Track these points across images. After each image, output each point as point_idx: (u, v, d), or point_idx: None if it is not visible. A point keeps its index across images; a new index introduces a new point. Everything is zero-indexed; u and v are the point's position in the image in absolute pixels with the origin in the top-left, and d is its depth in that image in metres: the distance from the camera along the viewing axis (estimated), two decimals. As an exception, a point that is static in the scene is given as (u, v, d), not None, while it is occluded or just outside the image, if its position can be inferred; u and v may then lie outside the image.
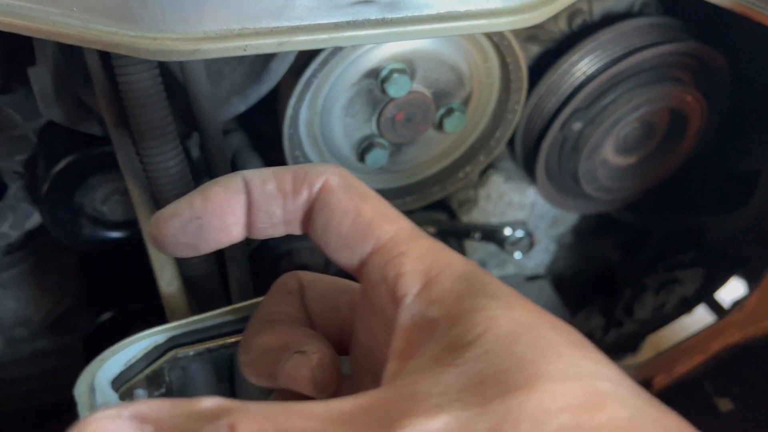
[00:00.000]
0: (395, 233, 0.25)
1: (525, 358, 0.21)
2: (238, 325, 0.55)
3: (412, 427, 0.19)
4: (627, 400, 0.21)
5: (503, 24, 0.48)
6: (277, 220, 0.27)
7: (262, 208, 0.27)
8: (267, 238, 0.28)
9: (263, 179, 0.27)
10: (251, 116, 0.70)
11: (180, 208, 0.27)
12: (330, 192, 0.26)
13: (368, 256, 0.25)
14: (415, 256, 0.25)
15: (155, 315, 0.60)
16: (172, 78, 0.56)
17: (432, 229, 0.79)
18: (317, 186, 0.27)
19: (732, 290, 0.88)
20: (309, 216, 0.27)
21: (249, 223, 0.27)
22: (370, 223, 0.25)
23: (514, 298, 0.23)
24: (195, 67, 0.52)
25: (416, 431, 0.19)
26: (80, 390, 0.52)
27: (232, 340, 0.55)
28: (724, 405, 0.83)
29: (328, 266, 0.74)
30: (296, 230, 0.28)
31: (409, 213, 0.77)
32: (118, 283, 0.79)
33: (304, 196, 0.27)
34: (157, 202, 0.53)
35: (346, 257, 0.26)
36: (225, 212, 0.27)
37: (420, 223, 0.78)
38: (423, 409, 0.20)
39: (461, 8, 0.47)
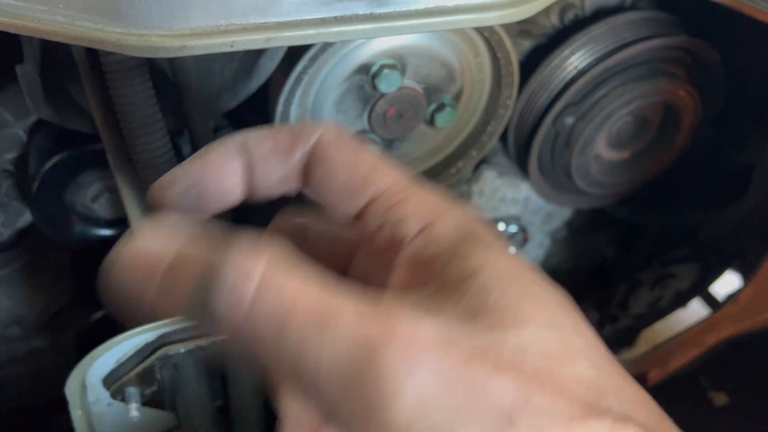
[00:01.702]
0: (394, 181, 0.26)
1: (516, 301, 0.22)
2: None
3: (407, 323, 0.20)
4: (596, 361, 0.23)
5: (492, 18, 0.48)
6: (276, 179, 0.28)
7: (260, 167, 0.27)
8: (265, 200, 0.28)
9: (260, 139, 0.27)
10: (243, 113, 0.70)
11: (178, 175, 0.27)
12: (326, 146, 0.27)
13: (367, 205, 0.26)
14: (415, 203, 0.25)
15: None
16: (163, 75, 0.56)
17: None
18: (312, 141, 0.27)
19: (727, 284, 0.88)
20: (306, 172, 0.27)
21: (248, 184, 0.28)
22: (368, 172, 0.26)
23: (507, 250, 0.25)
24: (184, 64, 0.52)
25: (410, 327, 0.20)
26: (71, 388, 0.52)
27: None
28: (719, 399, 0.83)
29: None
30: (294, 188, 0.28)
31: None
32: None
33: (300, 152, 0.27)
34: (148, 199, 0.53)
35: (345, 207, 0.27)
36: (224, 175, 0.27)
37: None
38: (418, 316, 0.21)
39: (450, 3, 0.46)
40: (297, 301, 0.20)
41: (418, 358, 0.20)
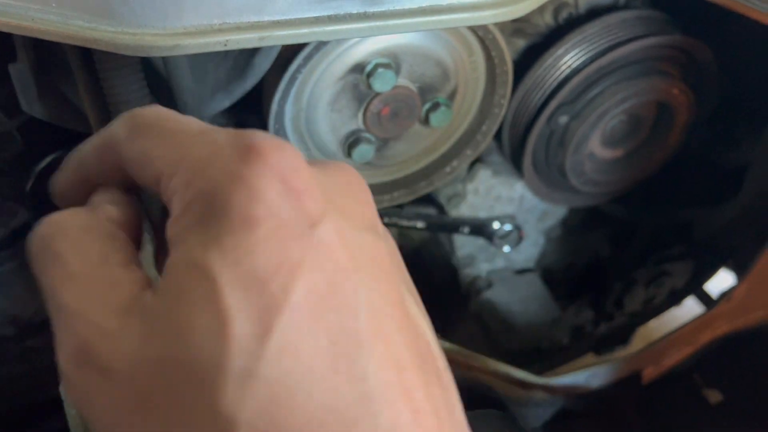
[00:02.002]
0: (165, 158, 0.26)
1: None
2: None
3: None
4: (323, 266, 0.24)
5: (486, 17, 0.48)
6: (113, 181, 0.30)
7: (98, 179, 0.30)
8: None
9: (81, 162, 0.30)
10: (238, 112, 0.70)
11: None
12: (119, 146, 0.28)
13: (157, 188, 0.27)
14: (174, 187, 0.26)
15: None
16: (157, 74, 0.56)
17: (421, 224, 0.79)
18: (111, 147, 0.28)
19: (721, 281, 0.89)
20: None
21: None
22: (148, 157, 0.27)
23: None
24: (178, 63, 0.52)
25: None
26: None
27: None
28: (714, 397, 0.83)
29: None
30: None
31: (397, 207, 0.78)
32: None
33: (111, 161, 0.29)
34: (141, 197, 0.53)
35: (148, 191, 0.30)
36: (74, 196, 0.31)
37: (409, 217, 0.78)
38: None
39: (443, 2, 0.47)
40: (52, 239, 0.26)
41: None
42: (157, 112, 0.28)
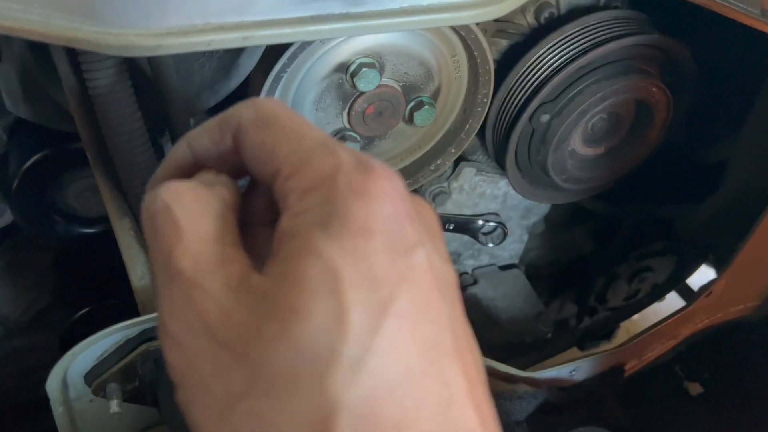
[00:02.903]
0: (287, 157, 0.27)
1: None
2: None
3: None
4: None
5: (466, 17, 0.49)
6: (222, 166, 0.30)
7: (206, 160, 0.30)
8: None
9: (198, 136, 0.30)
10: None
11: (150, 183, 0.31)
12: (243, 130, 0.29)
13: (272, 180, 0.28)
14: (299, 179, 0.27)
15: (133, 310, 0.61)
16: (143, 74, 0.57)
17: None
18: (234, 124, 0.29)
19: (704, 276, 0.90)
20: (238, 154, 0.29)
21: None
22: (273, 146, 0.28)
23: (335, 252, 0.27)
24: (163, 63, 0.52)
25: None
26: (52, 385, 0.53)
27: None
28: (694, 389, 0.85)
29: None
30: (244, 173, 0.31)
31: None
32: (95, 279, 0.79)
33: (228, 141, 0.29)
34: (128, 197, 0.54)
35: (265, 182, 0.29)
36: (180, 178, 0.29)
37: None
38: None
39: (424, 2, 0.47)
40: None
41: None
42: (282, 107, 0.29)
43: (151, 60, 0.52)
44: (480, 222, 0.83)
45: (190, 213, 0.27)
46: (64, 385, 0.53)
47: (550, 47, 0.66)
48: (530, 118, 0.69)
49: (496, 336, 0.88)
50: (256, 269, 0.26)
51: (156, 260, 0.27)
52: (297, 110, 0.62)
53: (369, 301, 0.24)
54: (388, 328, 0.24)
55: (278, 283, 0.25)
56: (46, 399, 0.55)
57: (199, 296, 0.25)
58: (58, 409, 0.53)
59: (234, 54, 0.56)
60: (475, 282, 0.91)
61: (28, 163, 0.58)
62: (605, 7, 0.69)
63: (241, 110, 0.29)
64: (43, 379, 0.55)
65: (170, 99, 0.54)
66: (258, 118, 0.29)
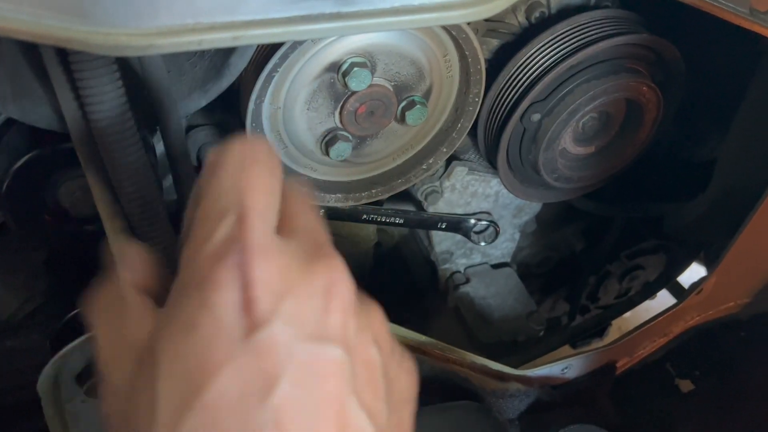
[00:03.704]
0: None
1: None
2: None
3: None
4: None
5: (457, 17, 0.49)
6: None
7: None
8: None
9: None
10: (214, 111, 0.70)
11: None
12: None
13: None
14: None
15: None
16: (134, 74, 0.57)
17: (399, 221, 0.80)
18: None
19: (695, 274, 0.91)
20: None
21: None
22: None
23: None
24: (154, 63, 0.52)
25: None
26: (44, 386, 0.52)
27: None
28: (685, 386, 0.86)
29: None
30: None
31: (376, 204, 0.78)
32: (87, 279, 0.78)
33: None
34: (119, 197, 0.54)
35: None
36: None
37: (387, 214, 0.79)
38: None
39: (415, 1, 0.47)
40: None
41: None
42: (230, 157, 0.32)
43: (141, 60, 0.51)
44: (472, 221, 0.84)
45: (100, 315, 0.34)
46: (56, 386, 0.53)
47: (541, 47, 0.66)
48: (521, 118, 0.69)
49: (489, 334, 0.89)
50: None
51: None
52: (289, 110, 0.62)
53: (175, 394, 0.27)
54: (189, 422, 0.26)
55: (138, 368, 0.30)
56: (38, 400, 0.55)
57: (105, 387, 0.33)
58: (49, 410, 0.53)
59: (225, 54, 0.56)
60: (468, 281, 0.91)
61: (19, 163, 0.58)
62: (596, 7, 0.69)
63: (211, 152, 0.33)
64: (35, 381, 0.54)
65: (161, 98, 0.53)
66: (211, 164, 0.32)
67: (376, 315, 0.32)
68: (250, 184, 0.30)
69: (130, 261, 0.36)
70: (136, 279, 0.35)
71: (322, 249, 0.31)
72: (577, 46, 0.66)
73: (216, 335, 0.27)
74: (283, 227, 0.31)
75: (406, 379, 0.33)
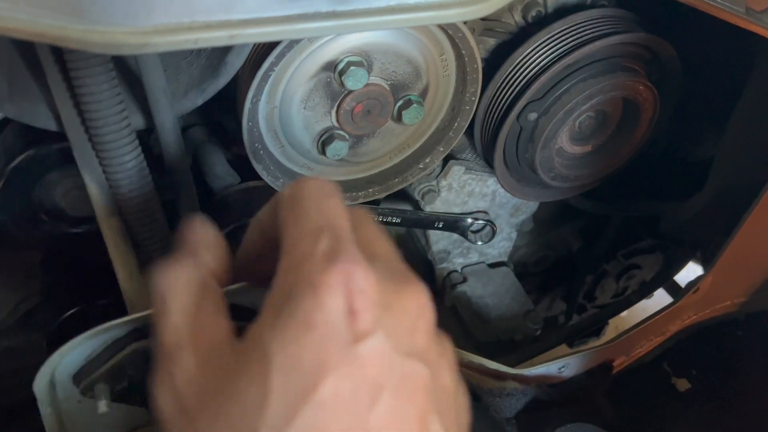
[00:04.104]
0: (286, 238, 0.33)
1: None
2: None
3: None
4: None
5: (453, 16, 0.49)
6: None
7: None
8: None
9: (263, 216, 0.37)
10: (211, 110, 0.70)
11: None
12: (279, 206, 0.35)
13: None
14: None
15: (122, 310, 0.61)
16: (130, 73, 0.57)
17: (396, 220, 0.80)
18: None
19: (692, 273, 0.91)
20: None
21: None
22: (282, 229, 0.34)
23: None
24: (151, 62, 0.52)
25: None
26: (40, 385, 0.52)
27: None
28: (682, 385, 0.86)
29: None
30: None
31: (372, 204, 0.79)
32: (83, 279, 0.78)
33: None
34: (115, 197, 0.54)
35: None
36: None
37: (384, 213, 0.79)
38: None
39: (411, 0, 0.47)
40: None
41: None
42: (315, 188, 0.34)
43: (138, 58, 0.51)
44: (469, 220, 0.84)
45: (171, 288, 0.33)
46: (52, 385, 0.53)
47: (538, 46, 0.66)
48: (518, 117, 0.69)
49: (486, 333, 0.89)
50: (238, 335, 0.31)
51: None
52: (285, 109, 0.62)
53: (290, 390, 0.27)
54: (304, 416, 0.27)
55: (235, 360, 0.30)
56: (34, 400, 0.54)
57: (173, 367, 0.31)
58: (45, 410, 0.53)
59: (222, 52, 0.56)
60: (465, 280, 0.91)
61: (15, 163, 0.58)
62: (592, 6, 0.69)
63: (285, 188, 0.35)
64: (31, 380, 0.54)
65: (157, 97, 0.53)
66: (290, 196, 0.33)
67: (449, 345, 0.35)
68: (336, 211, 0.32)
69: (211, 247, 0.36)
70: (215, 268, 0.35)
71: (405, 274, 0.33)
72: (573, 45, 0.66)
73: (329, 337, 0.28)
74: (364, 253, 0.32)
75: (465, 413, 0.35)
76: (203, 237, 0.36)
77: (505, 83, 0.68)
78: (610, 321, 0.98)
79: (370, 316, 0.29)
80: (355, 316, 0.28)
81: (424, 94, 0.65)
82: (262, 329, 0.29)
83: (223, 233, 0.67)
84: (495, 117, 0.70)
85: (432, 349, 0.32)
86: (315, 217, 0.32)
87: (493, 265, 0.94)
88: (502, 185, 0.78)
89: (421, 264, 0.94)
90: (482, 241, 0.86)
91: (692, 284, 0.82)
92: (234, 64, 0.56)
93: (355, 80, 0.59)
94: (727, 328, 0.85)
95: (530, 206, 0.90)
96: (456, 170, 0.80)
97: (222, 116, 0.73)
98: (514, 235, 0.93)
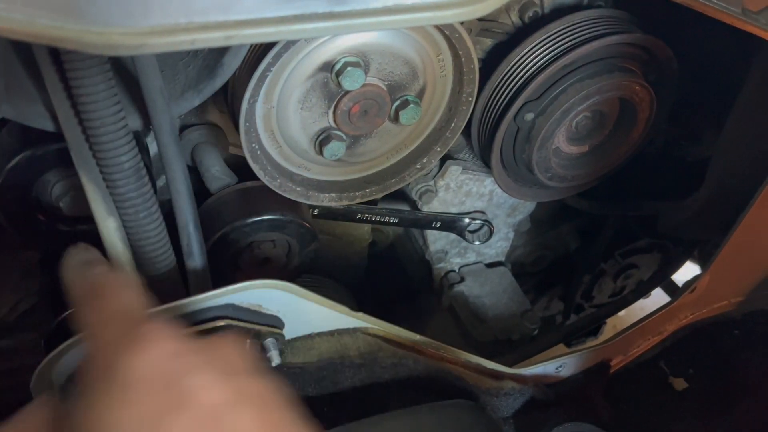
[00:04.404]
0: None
1: None
2: (195, 317, 0.56)
3: None
4: None
5: (450, 16, 0.49)
6: None
7: None
8: None
9: None
10: (207, 111, 0.70)
11: None
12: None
13: None
14: None
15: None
16: (128, 73, 0.57)
17: (394, 220, 0.81)
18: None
19: (690, 272, 0.91)
20: None
21: None
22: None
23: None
24: (148, 62, 0.52)
25: None
26: (37, 386, 0.52)
27: (189, 331, 0.55)
28: (679, 384, 0.86)
29: (290, 259, 0.74)
30: None
31: (370, 204, 0.79)
32: (81, 280, 0.78)
33: None
34: (112, 197, 0.54)
35: None
36: None
37: (382, 213, 0.79)
38: None
39: (408, 1, 0.47)
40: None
41: None
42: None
43: (135, 59, 0.51)
44: (466, 220, 0.84)
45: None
46: (50, 385, 0.53)
47: (534, 46, 0.67)
48: (515, 117, 0.69)
49: (483, 333, 0.89)
50: None
51: None
52: (282, 110, 0.62)
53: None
54: None
55: None
56: (30, 400, 0.54)
57: None
58: (43, 411, 0.53)
59: (218, 53, 0.56)
60: (462, 280, 0.92)
61: (12, 163, 0.58)
62: (589, 6, 0.69)
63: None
64: (29, 380, 0.54)
65: (154, 98, 0.53)
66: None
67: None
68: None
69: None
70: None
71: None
72: (570, 46, 0.66)
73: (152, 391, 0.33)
74: None
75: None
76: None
77: (502, 83, 0.68)
78: (608, 320, 0.99)
79: (186, 361, 0.33)
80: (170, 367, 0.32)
81: (421, 94, 0.65)
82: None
83: (221, 233, 0.68)
84: (492, 117, 0.70)
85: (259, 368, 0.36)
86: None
87: (490, 265, 0.94)
88: (499, 185, 0.78)
89: (419, 264, 0.94)
90: (480, 241, 0.86)
91: (689, 283, 0.83)
92: (231, 65, 0.56)
93: (352, 81, 0.60)
94: (724, 327, 0.85)
95: (527, 206, 0.90)
96: (453, 170, 0.80)
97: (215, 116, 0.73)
98: (511, 234, 0.93)
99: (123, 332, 0.34)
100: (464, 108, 0.67)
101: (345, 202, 0.71)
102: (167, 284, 0.60)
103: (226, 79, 0.56)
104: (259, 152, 0.63)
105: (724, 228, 0.75)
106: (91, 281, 0.41)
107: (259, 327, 0.58)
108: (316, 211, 0.75)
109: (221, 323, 0.55)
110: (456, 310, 0.90)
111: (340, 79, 0.59)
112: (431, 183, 0.81)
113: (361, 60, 0.60)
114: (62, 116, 0.52)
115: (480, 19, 0.67)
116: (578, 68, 0.68)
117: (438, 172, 0.80)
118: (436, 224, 0.83)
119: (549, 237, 1.00)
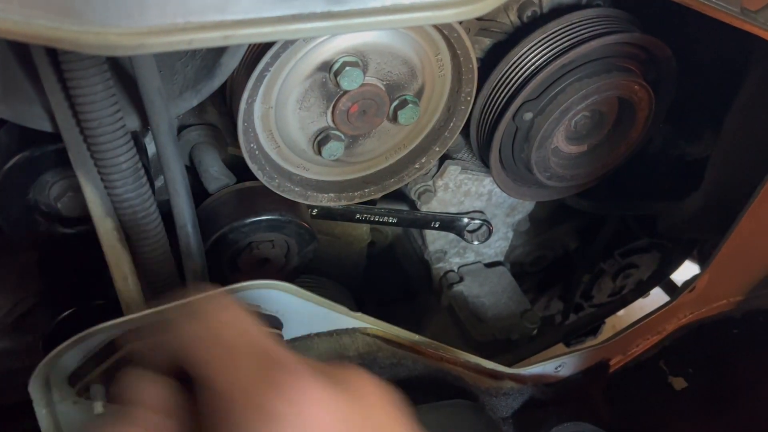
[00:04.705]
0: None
1: None
2: (193, 317, 0.55)
3: None
4: None
5: (448, 16, 0.49)
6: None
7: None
8: None
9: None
10: (206, 111, 0.70)
11: None
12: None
13: None
14: None
15: (117, 311, 0.60)
16: (126, 74, 0.56)
17: (393, 220, 0.80)
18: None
19: (689, 272, 0.91)
20: None
21: None
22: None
23: None
24: (146, 62, 0.52)
25: None
26: (36, 386, 0.52)
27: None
28: (679, 383, 0.86)
29: (289, 260, 0.74)
30: None
31: (369, 204, 0.79)
32: (80, 280, 0.78)
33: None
34: (110, 198, 0.54)
35: None
36: None
37: (381, 213, 0.79)
38: None
39: (406, 0, 0.47)
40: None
41: None
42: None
43: (132, 59, 0.51)
44: (465, 220, 0.84)
45: None
46: (48, 386, 0.53)
47: (533, 45, 0.66)
48: (514, 116, 0.69)
49: (482, 333, 0.89)
50: None
51: None
52: (280, 110, 0.62)
53: None
54: None
55: None
56: (30, 401, 0.54)
57: None
58: (41, 411, 0.53)
59: (216, 53, 0.56)
60: (461, 279, 0.92)
61: (10, 164, 0.57)
62: (587, 6, 0.69)
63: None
64: (27, 381, 0.54)
65: (152, 98, 0.53)
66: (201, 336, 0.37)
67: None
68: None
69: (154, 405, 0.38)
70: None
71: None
72: (568, 45, 0.66)
73: None
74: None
75: None
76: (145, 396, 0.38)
77: (500, 83, 0.68)
78: (607, 320, 0.99)
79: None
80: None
81: (419, 94, 0.65)
82: None
83: (219, 234, 0.68)
84: (491, 117, 0.70)
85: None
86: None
87: (489, 265, 0.94)
88: (498, 185, 0.78)
89: (418, 264, 0.94)
90: (479, 240, 0.86)
91: (689, 283, 0.83)
92: (229, 65, 0.56)
93: (351, 80, 0.59)
94: (723, 326, 0.85)
95: (526, 206, 0.90)
96: (452, 170, 0.80)
97: (214, 116, 0.73)
98: (510, 234, 0.93)
99: (259, 376, 0.34)
100: (463, 108, 0.67)
101: (344, 202, 0.71)
102: (166, 285, 0.60)
103: (224, 80, 0.56)
104: (257, 152, 0.63)
105: (724, 227, 0.75)
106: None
107: (257, 327, 0.58)
108: (314, 212, 0.75)
109: (220, 324, 0.55)
110: (455, 310, 0.90)
111: (338, 79, 0.59)
112: (430, 183, 0.80)
113: (360, 60, 0.60)
114: (60, 117, 0.52)
115: (478, 19, 0.67)
116: (577, 68, 0.68)
117: (437, 171, 0.80)
118: (434, 224, 0.83)
119: (548, 237, 1.00)
